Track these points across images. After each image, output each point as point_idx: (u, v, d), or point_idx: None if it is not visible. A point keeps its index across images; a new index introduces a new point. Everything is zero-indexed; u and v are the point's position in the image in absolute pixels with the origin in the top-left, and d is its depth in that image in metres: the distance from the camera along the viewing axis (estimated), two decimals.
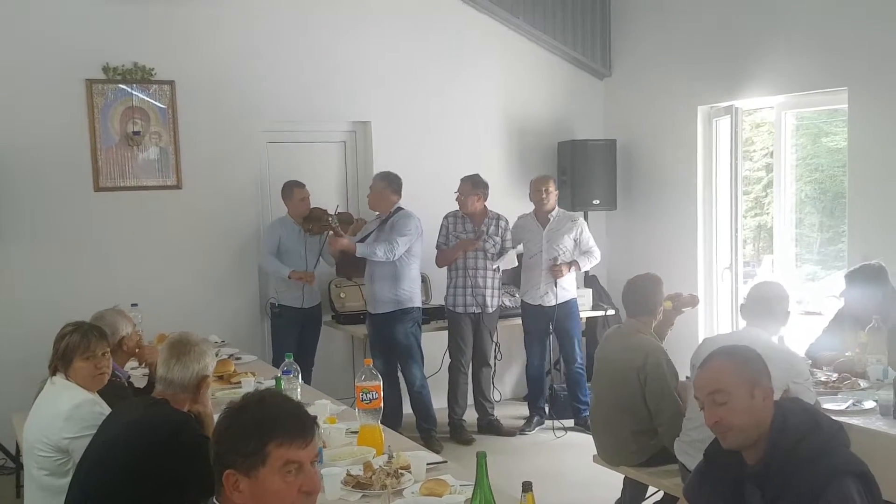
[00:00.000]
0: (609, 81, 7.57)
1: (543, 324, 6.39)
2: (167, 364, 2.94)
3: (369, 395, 3.33)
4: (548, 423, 6.50)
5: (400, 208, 6.02)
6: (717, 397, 2.37)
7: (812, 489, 2.20)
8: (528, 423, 6.51)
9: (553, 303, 6.28)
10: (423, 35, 6.93)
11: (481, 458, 2.35)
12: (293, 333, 6.13)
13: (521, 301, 6.49)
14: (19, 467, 5.23)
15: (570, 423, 6.45)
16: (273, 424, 1.92)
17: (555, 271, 6.22)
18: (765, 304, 3.77)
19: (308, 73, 6.58)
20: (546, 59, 7.42)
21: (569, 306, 6.38)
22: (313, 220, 6.15)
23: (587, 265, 6.48)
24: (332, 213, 6.01)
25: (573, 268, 6.33)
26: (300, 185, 6.21)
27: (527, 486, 2.32)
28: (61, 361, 3.29)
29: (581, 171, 6.99)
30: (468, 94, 7.11)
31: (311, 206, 6.22)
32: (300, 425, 1.96)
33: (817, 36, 5.67)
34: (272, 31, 6.47)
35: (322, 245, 6.18)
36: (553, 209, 6.38)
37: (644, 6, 7.18)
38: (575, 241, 6.34)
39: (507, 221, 6.37)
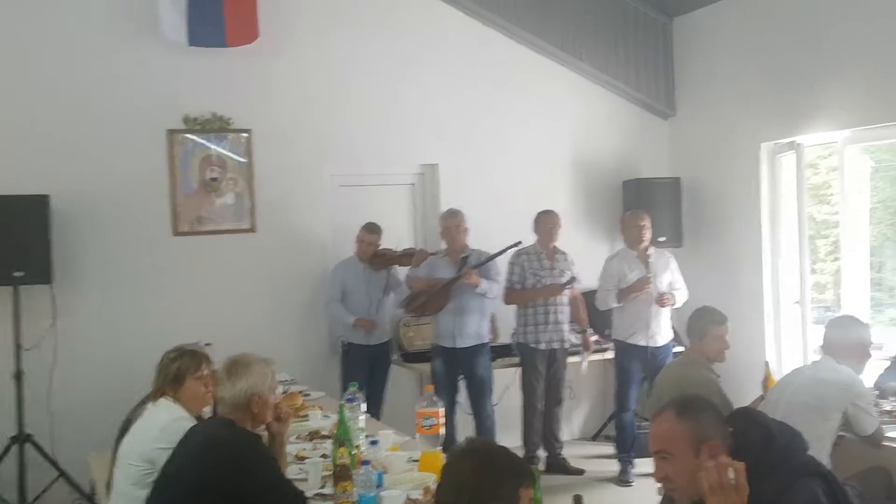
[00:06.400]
0: (673, 121, 7.62)
1: (647, 365, 6.08)
2: (222, 383, 3.03)
3: (429, 421, 3.42)
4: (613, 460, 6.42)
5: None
6: (662, 454, 2.33)
7: (776, 492, 2.17)
8: (626, 473, 6.25)
9: (660, 343, 6.15)
10: (488, 79, 7.09)
11: (535, 473, 2.41)
12: (363, 370, 6.21)
13: (621, 343, 6.26)
14: None
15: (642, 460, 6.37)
16: (521, 470, 2.17)
17: (663, 301, 6.08)
18: (842, 345, 3.76)
19: (377, 119, 6.78)
20: (610, 101, 7.52)
21: (670, 347, 6.21)
22: (377, 256, 6.33)
23: (680, 303, 6.24)
24: (396, 248, 6.25)
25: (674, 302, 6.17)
26: (371, 230, 6.33)
27: (577, 500, 2.37)
28: (172, 383, 3.44)
29: (646, 209, 6.95)
30: (533, 135, 7.23)
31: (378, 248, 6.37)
32: (530, 469, 2.22)
33: (877, 69, 5.64)
34: (342, 79, 6.71)
35: (386, 283, 6.33)
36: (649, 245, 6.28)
37: (706, 46, 7.24)
38: (670, 277, 6.26)
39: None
